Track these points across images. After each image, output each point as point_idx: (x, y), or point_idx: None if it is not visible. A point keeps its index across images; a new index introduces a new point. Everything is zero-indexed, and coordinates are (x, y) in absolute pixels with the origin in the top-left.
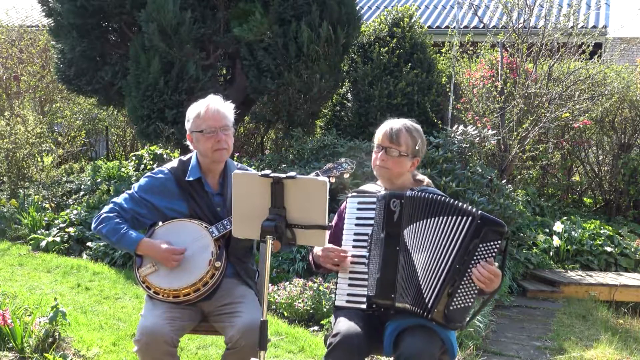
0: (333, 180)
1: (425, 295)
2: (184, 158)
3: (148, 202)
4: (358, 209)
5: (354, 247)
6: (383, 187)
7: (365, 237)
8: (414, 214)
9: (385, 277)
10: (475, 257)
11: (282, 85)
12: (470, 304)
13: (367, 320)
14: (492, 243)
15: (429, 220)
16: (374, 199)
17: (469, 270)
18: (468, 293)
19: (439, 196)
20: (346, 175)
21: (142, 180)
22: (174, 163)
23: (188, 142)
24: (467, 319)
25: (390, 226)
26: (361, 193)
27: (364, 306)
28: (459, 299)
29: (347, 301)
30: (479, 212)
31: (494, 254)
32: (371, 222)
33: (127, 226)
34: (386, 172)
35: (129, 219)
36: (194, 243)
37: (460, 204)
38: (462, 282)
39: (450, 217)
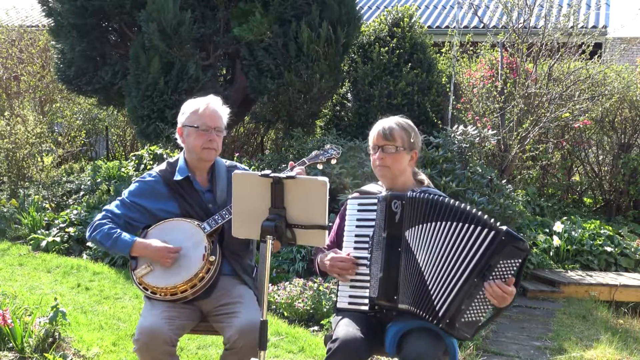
0: (320, 166)
1: (435, 303)
2: (172, 160)
3: (139, 205)
4: (359, 211)
5: (355, 249)
6: (384, 188)
7: (367, 239)
8: (417, 215)
9: (388, 278)
10: (494, 273)
11: (282, 85)
12: (482, 317)
13: (367, 323)
14: (513, 261)
15: (437, 223)
16: (375, 200)
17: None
18: (482, 307)
19: (444, 198)
20: (333, 161)
21: (132, 186)
22: (162, 166)
23: (177, 135)
24: (475, 330)
25: (391, 227)
26: (362, 194)
27: (366, 308)
28: (472, 311)
29: (349, 303)
30: (504, 227)
31: (513, 272)
32: (372, 223)
33: (119, 230)
34: (387, 170)
35: (122, 224)
36: (187, 240)
37: (480, 213)
38: (478, 296)
39: (467, 226)
